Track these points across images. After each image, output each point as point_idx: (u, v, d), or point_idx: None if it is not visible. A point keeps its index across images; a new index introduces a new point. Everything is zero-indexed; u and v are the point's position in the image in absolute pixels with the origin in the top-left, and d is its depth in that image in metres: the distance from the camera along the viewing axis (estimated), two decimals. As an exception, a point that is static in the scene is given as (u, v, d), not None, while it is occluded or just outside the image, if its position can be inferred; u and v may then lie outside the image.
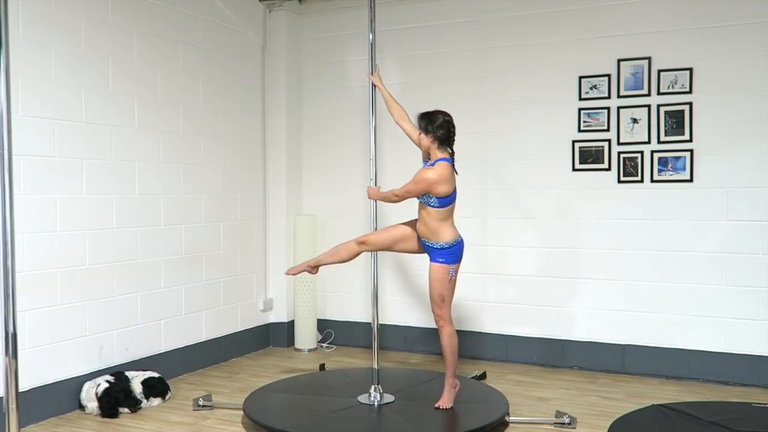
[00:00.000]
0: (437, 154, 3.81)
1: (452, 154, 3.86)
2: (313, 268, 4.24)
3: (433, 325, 5.55)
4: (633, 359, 4.99)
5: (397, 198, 3.93)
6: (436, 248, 3.87)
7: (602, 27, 5.03)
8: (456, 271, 3.92)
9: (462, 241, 3.92)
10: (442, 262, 3.86)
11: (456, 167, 3.85)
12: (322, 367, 5.12)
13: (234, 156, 5.55)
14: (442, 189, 3.75)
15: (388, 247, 4.12)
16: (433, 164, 3.79)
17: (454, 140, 3.86)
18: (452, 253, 3.87)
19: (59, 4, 4.10)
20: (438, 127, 3.78)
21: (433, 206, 3.81)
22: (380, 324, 4.28)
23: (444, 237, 3.85)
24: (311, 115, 6.05)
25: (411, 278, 5.67)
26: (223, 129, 5.42)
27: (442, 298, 3.90)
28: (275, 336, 5.94)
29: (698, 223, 4.80)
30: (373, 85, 4.30)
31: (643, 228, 4.94)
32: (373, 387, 4.14)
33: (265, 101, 5.89)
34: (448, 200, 3.81)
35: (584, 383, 4.80)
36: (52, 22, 4.06)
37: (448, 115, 3.84)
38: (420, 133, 3.85)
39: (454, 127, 3.84)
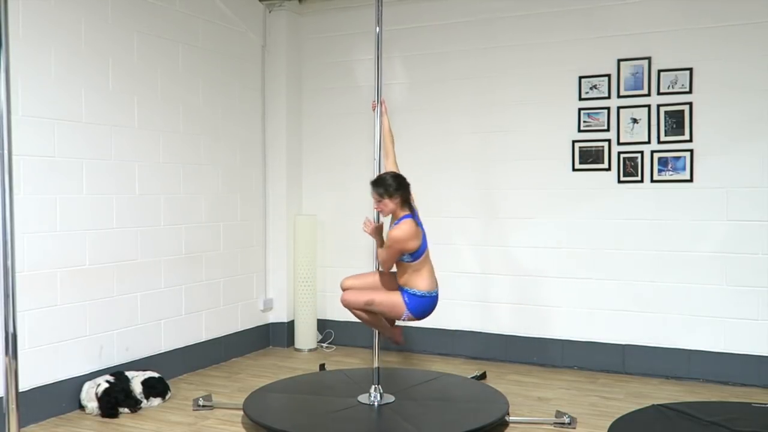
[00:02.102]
0: (399, 213, 3.81)
1: (412, 210, 3.84)
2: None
3: (432, 325, 5.58)
4: (633, 359, 4.99)
5: (381, 262, 3.90)
6: (410, 293, 3.84)
7: (602, 27, 5.03)
8: (407, 320, 3.90)
9: (436, 295, 3.88)
10: (406, 303, 3.83)
11: (419, 217, 3.86)
12: (322, 367, 5.12)
13: (234, 156, 5.55)
14: (412, 245, 3.75)
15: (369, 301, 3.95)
16: (397, 223, 3.78)
17: (410, 195, 3.85)
18: (420, 305, 3.83)
19: (59, 4, 4.10)
20: (396, 190, 3.77)
21: (406, 261, 3.82)
22: (380, 324, 4.27)
23: (418, 285, 3.84)
24: (311, 114, 6.05)
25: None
26: (223, 129, 5.42)
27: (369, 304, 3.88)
28: (275, 336, 5.94)
29: (698, 222, 4.80)
30: (379, 102, 4.22)
31: (643, 228, 4.94)
32: (373, 387, 4.14)
33: (265, 101, 5.89)
34: (418, 254, 3.80)
35: (584, 383, 4.80)
36: (52, 22, 4.06)
37: (400, 175, 3.87)
38: (381, 198, 3.81)
39: (408, 184, 3.86)
